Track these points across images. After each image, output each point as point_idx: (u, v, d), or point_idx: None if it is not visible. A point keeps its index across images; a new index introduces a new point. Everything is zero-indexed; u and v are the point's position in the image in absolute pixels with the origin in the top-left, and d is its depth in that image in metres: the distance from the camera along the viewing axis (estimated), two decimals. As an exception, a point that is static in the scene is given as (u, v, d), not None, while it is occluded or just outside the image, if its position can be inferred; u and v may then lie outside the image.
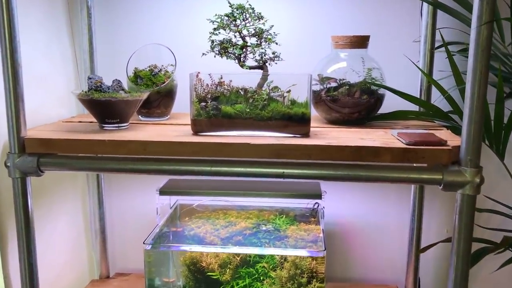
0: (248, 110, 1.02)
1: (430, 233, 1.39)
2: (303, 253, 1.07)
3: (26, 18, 1.13)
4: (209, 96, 1.04)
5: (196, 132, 1.03)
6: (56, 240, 1.28)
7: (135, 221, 1.46)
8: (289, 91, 1.07)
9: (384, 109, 1.17)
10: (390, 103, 1.17)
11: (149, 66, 1.25)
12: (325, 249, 1.07)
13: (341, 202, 1.40)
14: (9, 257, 1.06)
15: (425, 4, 1.21)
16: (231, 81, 1.06)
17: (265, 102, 1.02)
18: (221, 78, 1.05)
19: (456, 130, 1.09)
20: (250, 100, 1.03)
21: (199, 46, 1.09)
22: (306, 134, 1.01)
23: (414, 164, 0.98)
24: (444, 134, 1.05)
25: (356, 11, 1.30)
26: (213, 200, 1.29)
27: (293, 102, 1.04)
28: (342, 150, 0.91)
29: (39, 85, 1.18)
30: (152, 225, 1.22)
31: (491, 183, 1.32)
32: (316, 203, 1.30)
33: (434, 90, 1.21)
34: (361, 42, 1.15)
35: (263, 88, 1.05)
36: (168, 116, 1.25)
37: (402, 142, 0.94)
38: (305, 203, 1.28)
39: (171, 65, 1.25)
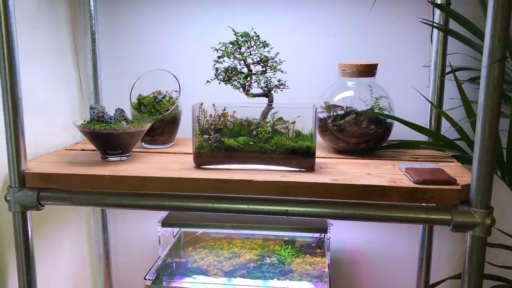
0: (252, 143, 1.00)
1: (441, 261, 1.35)
2: (307, 290, 1.04)
3: (30, 45, 1.12)
4: (212, 128, 1.02)
5: (198, 165, 1.01)
6: (61, 265, 1.27)
7: (140, 246, 1.44)
8: (294, 123, 1.04)
9: (394, 135, 1.14)
10: (400, 131, 1.14)
11: (153, 93, 1.23)
12: (329, 286, 1.04)
13: (350, 230, 1.37)
14: (9, 290, 1.05)
15: (435, 30, 1.18)
16: (234, 112, 1.04)
17: (268, 134, 1.00)
18: (225, 109, 1.03)
19: (467, 161, 1.05)
20: (254, 133, 1.00)
21: (205, 72, 1.08)
22: (311, 168, 0.99)
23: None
24: (454, 167, 1.01)
25: (365, 37, 1.27)
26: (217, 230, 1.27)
27: (298, 134, 1.02)
28: (348, 189, 0.89)
29: (42, 112, 1.17)
30: (156, 251, 1.20)
31: (503, 214, 1.28)
32: (322, 234, 1.27)
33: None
34: (368, 70, 1.12)
35: (267, 119, 1.03)
36: (172, 143, 1.23)
37: (410, 179, 0.91)
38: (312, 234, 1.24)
39: (176, 91, 1.23)
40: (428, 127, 1.23)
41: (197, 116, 1.01)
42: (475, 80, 1.15)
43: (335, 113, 1.14)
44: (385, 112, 1.13)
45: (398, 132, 1.16)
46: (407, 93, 1.24)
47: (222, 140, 1.00)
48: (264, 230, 1.25)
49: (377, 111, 1.11)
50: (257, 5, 1.30)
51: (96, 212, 1.38)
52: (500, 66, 0.80)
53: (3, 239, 1.02)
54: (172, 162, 1.05)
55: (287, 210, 0.91)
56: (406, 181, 0.90)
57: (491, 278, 1.03)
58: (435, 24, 1.17)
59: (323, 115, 1.15)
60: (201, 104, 1.04)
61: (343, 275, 1.38)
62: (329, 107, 1.15)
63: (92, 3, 1.26)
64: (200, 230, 1.28)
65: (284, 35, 1.30)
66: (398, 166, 1.01)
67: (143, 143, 1.21)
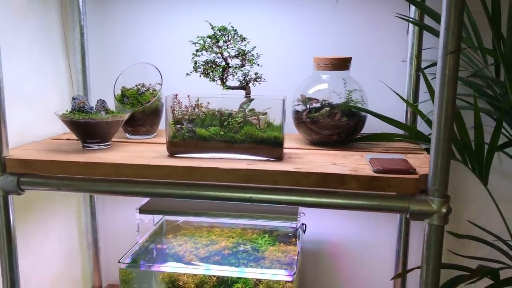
0: (222, 133, 1.03)
1: (420, 250, 1.37)
2: (272, 276, 1.07)
3: (19, 38, 1.18)
4: (186, 118, 1.06)
5: (171, 154, 1.05)
6: (49, 249, 1.32)
7: (128, 233, 1.48)
8: (265, 114, 1.07)
9: (373, 129, 1.17)
10: (379, 124, 1.15)
11: (137, 85, 1.28)
12: (294, 273, 1.07)
13: (331, 220, 1.40)
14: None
15: (411, 25, 1.20)
16: (208, 103, 1.07)
17: (239, 125, 1.03)
18: (198, 100, 1.07)
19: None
20: (225, 123, 1.04)
21: (189, 65, 1.12)
22: (279, 158, 1.02)
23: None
24: (422, 159, 1.03)
25: (344, 31, 1.30)
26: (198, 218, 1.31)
27: (269, 125, 1.05)
28: (308, 176, 0.92)
29: (30, 103, 1.22)
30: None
31: (478, 208, 1.29)
32: (302, 223, 1.30)
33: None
34: (342, 64, 1.15)
35: (238, 110, 1.07)
36: (155, 134, 1.27)
37: (371, 169, 0.93)
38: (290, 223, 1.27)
39: (159, 83, 1.27)
40: (404, 120, 1.25)
41: (171, 107, 1.05)
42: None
43: (310, 106, 1.17)
44: (358, 105, 1.15)
45: (377, 126, 1.18)
46: (385, 87, 1.26)
47: (194, 130, 1.04)
48: (244, 219, 1.28)
49: (351, 104, 1.14)
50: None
51: (86, 199, 1.43)
52: (454, 57, 0.82)
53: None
54: (149, 151, 1.09)
55: (251, 197, 0.94)
56: (367, 171, 0.93)
57: (455, 268, 1.05)
58: (410, 19, 1.19)
59: (300, 107, 1.18)
60: (176, 95, 1.08)
61: (323, 265, 1.41)
62: (305, 100, 1.18)
63: (80, -1, 1.31)
64: (181, 219, 1.32)
65: (262, 29, 1.33)
66: (365, 157, 1.03)
67: (126, 134, 1.26)
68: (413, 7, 1.19)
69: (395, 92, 1.09)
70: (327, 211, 1.37)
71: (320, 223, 1.39)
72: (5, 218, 1.04)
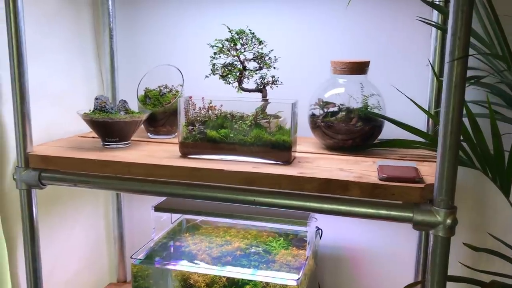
0: (232, 135, 1.04)
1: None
2: (279, 280, 1.07)
3: (49, 39, 1.25)
4: (199, 120, 1.08)
5: (183, 154, 1.07)
6: (76, 243, 1.39)
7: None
8: (277, 117, 1.08)
9: (394, 134, 1.14)
10: (400, 129, 1.12)
11: (159, 86, 1.32)
12: (299, 278, 1.06)
13: (349, 227, 1.38)
14: (18, 260, 1.17)
15: (434, 29, 1.16)
16: (221, 105, 1.09)
17: (249, 128, 1.04)
18: (210, 102, 1.09)
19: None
20: (235, 126, 1.05)
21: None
22: (287, 162, 1.02)
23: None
24: (435, 167, 1.00)
25: (365, 34, 1.28)
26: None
27: (280, 128, 1.05)
28: (310, 181, 0.91)
29: (58, 101, 1.29)
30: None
31: (503, 220, 1.23)
32: (318, 228, 1.29)
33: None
34: (359, 68, 1.13)
35: (250, 113, 1.07)
36: (175, 134, 1.30)
37: (377, 176, 0.92)
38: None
39: (180, 85, 1.31)
40: (425, 126, 1.21)
41: (185, 108, 1.08)
42: (469, 80, 1.12)
43: (327, 110, 1.16)
44: (375, 110, 1.13)
45: (398, 131, 1.14)
46: (407, 91, 1.22)
47: (205, 132, 1.06)
48: (260, 221, 1.28)
49: (365, 109, 1.12)
50: (254, 3, 1.35)
51: (113, 196, 1.49)
52: (461, 63, 0.79)
53: (13, 213, 1.14)
54: (163, 151, 1.12)
55: (254, 199, 0.95)
56: (372, 178, 0.91)
57: (464, 281, 1.01)
58: (433, 23, 1.15)
59: (316, 111, 1.18)
60: (190, 97, 1.11)
61: (340, 270, 1.39)
62: (322, 104, 1.17)
63: (110, 2, 1.36)
64: (199, 218, 1.35)
65: (280, 32, 1.33)
66: (376, 164, 1.01)
67: (148, 133, 1.30)
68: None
69: (408, 98, 1.06)
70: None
71: (339, 229, 1.37)
72: (28, 211, 1.10)
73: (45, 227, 1.23)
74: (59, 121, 1.28)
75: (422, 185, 0.87)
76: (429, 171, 0.96)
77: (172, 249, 1.25)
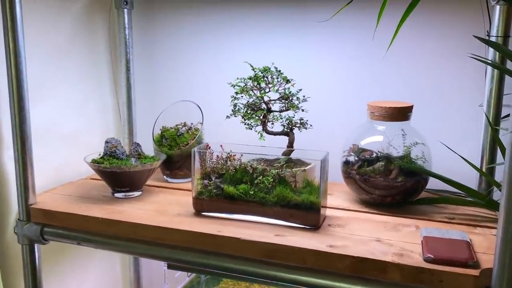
0: (252, 192, 0.92)
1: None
2: None
3: (62, 74, 1.16)
4: (216, 171, 0.96)
5: (197, 211, 0.95)
6: (91, 283, 1.30)
7: (169, 272, 1.42)
8: (304, 170, 0.94)
9: (439, 183, 0.98)
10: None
11: (177, 125, 1.21)
12: None
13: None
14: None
15: (489, 68, 1.00)
16: (242, 155, 0.96)
17: (272, 184, 0.91)
18: (230, 152, 0.96)
19: None
20: (256, 181, 0.92)
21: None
22: (315, 226, 0.88)
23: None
24: (490, 238, 0.84)
25: (401, 72, 1.13)
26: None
27: (307, 185, 0.91)
28: (342, 260, 0.77)
29: (71, 140, 1.19)
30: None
31: None
32: None
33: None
34: (400, 114, 0.98)
35: (273, 165, 0.95)
36: (193, 178, 1.19)
37: (421, 253, 0.77)
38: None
39: (200, 123, 1.19)
40: (477, 180, 1.04)
41: (200, 159, 0.96)
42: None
43: (363, 158, 1.02)
44: (419, 162, 0.98)
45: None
46: (453, 138, 1.07)
47: (221, 187, 0.93)
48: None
49: (408, 161, 0.97)
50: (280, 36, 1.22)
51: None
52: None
53: (16, 268, 1.05)
54: (177, 203, 1.01)
55: (275, 275, 0.82)
56: (415, 256, 0.76)
57: None
58: (489, 61, 0.99)
59: (351, 158, 1.04)
60: (207, 145, 0.99)
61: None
62: (358, 151, 1.03)
63: (127, 32, 1.26)
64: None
65: (309, 70, 1.20)
66: (420, 231, 0.86)
67: (164, 176, 1.19)
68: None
69: (459, 155, 0.91)
70: None
71: None
72: (31, 267, 1.01)
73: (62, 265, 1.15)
74: (71, 162, 1.18)
75: (477, 272, 0.72)
76: (484, 245, 0.81)
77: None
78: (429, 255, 0.75)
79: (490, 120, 1.00)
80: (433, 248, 0.77)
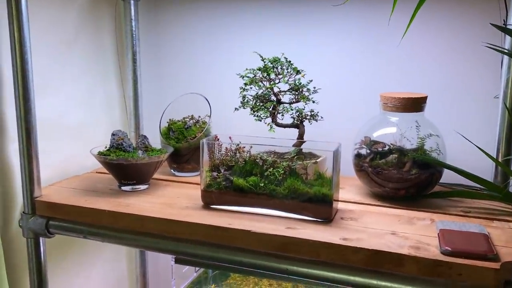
0: (262, 184, 0.89)
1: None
2: None
3: (67, 67, 1.14)
4: (225, 164, 0.93)
5: (206, 204, 0.93)
6: (97, 278, 1.28)
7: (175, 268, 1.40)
8: (315, 163, 0.92)
9: (454, 176, 0.95)
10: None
11: (184, 118, 1.18)
12: None
13: None
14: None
15: (505, 57, 0.97)
16: (251, 147, 0.94)
17: (282, 176, 0.88)
18: (239, 144, 0.94)
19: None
20: (266, 173, 0.90)
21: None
22: (327, 219, 0.86)
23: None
24: (508, 232, 0.82)
25: (415, 62, 1.10)
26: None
27: (319, 177, 0.89)
28: (356, 252, 0.75)
29: (77, 134, 1.17)
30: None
31: None
32: None
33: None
34: (414, 105, 0.95)
35: (284, 157, 0.92)
36: (201, 171, 1.17)
37: (438, 246, 0.74)
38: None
39: (208, 116, 1.17)
40: (493, 173, 1.02)
41: (209, 151, 0.94)
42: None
43: (375, 150, 0.99)
44: (433, 154, 0.95)
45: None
46: (469, 129, 1.04)
47: (231, 179, 0.91)
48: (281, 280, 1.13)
49: (422, 153, 0.94)
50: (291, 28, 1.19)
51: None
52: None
53: (22, 261, 1.03)
54: (185, 196, 0.98)
55: (287, 268, 0.79)
56: (432, 249, 0.74)
57: None
58: (506, 50, 0.96)
59: (363, 151, 1.01)
60: (216, 137, 0.97)
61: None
62: (370, 143, 1.00)
63: (133, 24, 1.24)
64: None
65: (321, 60, 1.17)
66: (435, 224, 0.84)
67: (171, 170, 1.17)
68: (509, 37, 0.97)
69: (476, 146, 0.88)
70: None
71: None
72: (36, 261, 0.99)
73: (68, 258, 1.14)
74: (77, 155, 1.16)
75: (497, 265, 0.69)
76: (503, 238, 0.78)
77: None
78: (446, 247, 0.72)
79: (506, 111, 0.97)
80: (451, 240, 0.74)
